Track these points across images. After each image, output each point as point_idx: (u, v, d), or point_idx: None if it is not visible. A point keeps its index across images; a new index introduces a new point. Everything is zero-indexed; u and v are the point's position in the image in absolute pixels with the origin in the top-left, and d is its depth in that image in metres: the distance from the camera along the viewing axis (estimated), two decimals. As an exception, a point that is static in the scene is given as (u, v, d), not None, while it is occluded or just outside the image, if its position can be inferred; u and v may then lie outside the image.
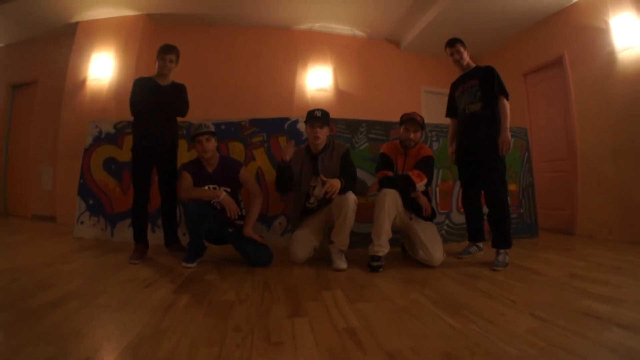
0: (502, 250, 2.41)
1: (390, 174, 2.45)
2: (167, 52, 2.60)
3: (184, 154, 3.10)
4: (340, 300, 1.68)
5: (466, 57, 2.63)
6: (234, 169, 2.52)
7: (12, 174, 5.27)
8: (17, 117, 5.28)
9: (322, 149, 2.50)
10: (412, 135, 2.49)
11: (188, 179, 2.44)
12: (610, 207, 3.46)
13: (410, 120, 2.49)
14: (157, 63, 2.63)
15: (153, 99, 2.56)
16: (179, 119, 2.77)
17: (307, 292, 1.83)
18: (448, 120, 3.29)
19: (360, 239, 3.06)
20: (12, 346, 1.13)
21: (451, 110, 2.84)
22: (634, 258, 2.57)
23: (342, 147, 2.55)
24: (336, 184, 2.27)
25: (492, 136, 2.44)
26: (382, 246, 2.31)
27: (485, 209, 2.61)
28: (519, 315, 1.46)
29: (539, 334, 1.26)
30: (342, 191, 2.32)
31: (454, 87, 2.75)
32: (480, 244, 2.75)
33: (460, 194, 2.91)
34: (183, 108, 2.69)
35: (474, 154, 2.52)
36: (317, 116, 2.44)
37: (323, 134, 2.46)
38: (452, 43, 2.62)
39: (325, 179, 2.30)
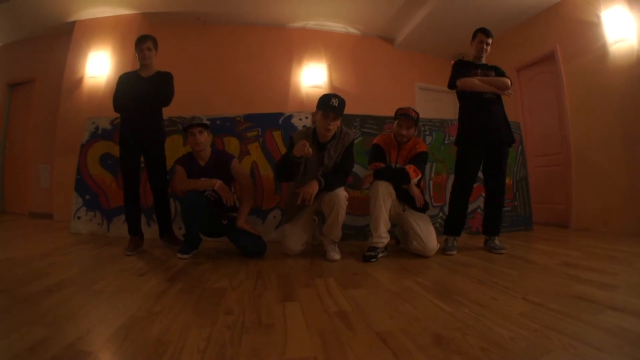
0: (495, 237, 2.57)
1: (382, 165, 2.43)
2: (142, 41, 2.57)
3: (180, 149, 3.11)
4: (332, 286, 1.69)
5: None
6: (225, 161, 2.50)
7: (9, 172, 5.27)
8: (15, 115, 5.28)
9: (330, 138, 2.36)
10: (404, 132, 2.43)
11: (182, 172, 2.45)
12: (605, 199, 3.47)
13: (404, 116, 2.41)
14: (137, 56, 2.62)
15: (134, 92, 2.54)
16: (174, 115, 2.76)
17: (300, 279, 1.84)
18: (440, 116, 3.31)
19: (356, 232, 3.08)
20: (5, 327, 1.15)
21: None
22: (629, 248, 2.58)
23: (349, 137, 2.41)
24: (310, 189, 2.18)
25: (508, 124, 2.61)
26: (380, 237, 2.31)
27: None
28: (511, 300, 1.46)
29: (532, 316, 1.26)
30: (328, 188, 2.24)
31: (471, 66, 2.59)
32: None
33: (453, 184, 2.64)
34: (165, 95, 2.58)
35: (496, 136, 2.50)
36: (334, 106, 2.21)
37: (335, 125, 2.29)
38: (490, 34, 2.56)
39: (297, 190, 2.24)
